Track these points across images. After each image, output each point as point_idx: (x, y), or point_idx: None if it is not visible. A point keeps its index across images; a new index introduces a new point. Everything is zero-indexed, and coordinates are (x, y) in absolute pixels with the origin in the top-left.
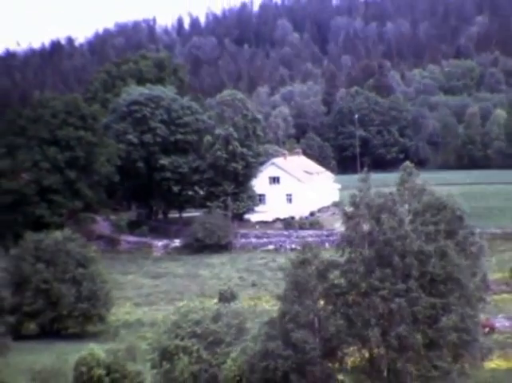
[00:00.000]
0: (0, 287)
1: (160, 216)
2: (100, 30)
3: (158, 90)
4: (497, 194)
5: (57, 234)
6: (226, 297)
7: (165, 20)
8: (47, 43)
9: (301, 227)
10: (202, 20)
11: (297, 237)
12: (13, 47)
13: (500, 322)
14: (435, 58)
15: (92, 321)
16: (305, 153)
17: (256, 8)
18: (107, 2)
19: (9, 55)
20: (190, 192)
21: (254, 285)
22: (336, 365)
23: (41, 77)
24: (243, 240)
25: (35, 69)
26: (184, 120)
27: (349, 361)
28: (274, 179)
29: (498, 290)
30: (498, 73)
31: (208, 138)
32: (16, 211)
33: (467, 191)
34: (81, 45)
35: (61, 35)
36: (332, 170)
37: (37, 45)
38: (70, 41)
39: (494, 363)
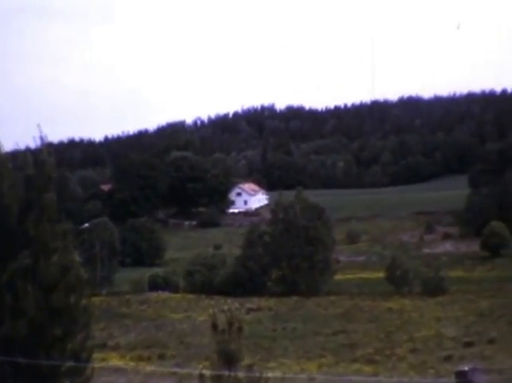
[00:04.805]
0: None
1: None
2: (154, 127)
3: (187, 153)
4: (342, 200)
5: (142, 220)
6: (217, 246)
7: (188, 120)
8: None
9: (251, 216)
10: (205, 120)
11: (249, 220)
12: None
13: (341, 258)
14: (312, 139)
15: (157, 257)
16: (252, 182)
17: (231, 115)
18: (157, 108)
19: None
20: (201, 200)
21: (229, 242)
22: (266, 278)
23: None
24: (224, 221)
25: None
26: (197, 166)
27: (272, 276)
28: (239, 194)
29: (339, 244)
30: (337, 144)
31: (209, 175)
32: (122, 208)
33: (325, 199)
34: (152, 134)
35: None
36: (265, 189)
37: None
38: (140, 132)
39: (338, 276)
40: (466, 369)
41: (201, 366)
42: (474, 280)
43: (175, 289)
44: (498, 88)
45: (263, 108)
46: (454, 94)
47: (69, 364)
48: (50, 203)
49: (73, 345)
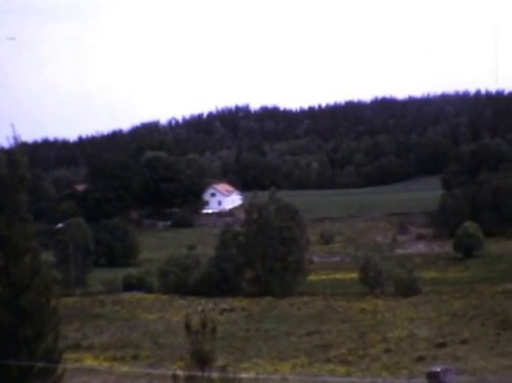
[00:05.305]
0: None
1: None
2: (129, 127)
3: (161, 154)
4: (316, 201)
5: (114, 220)
6: (191, 247)
7: (162, 120)
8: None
9: (225, 216)
10: (180, 121)
11: (223, 221)
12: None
13: (315, 258)
14: (286, 139)
15: (131, 257)
16: (226, 182)
17: (205, 115)
18: (131, 108)
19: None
20: (175, 201)
21: (203, 242)
22: (240, 278)
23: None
24: (199, 222)
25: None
26: (171, 166)
27: (246, 277)
28: (213, 194)
29: (313, 245)
30: (312, 144)
31: (183, 175)
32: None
33: (299, 200)
34: (127, 134)
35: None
36: (239, 190)
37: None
38: (115, 133)
39: (312, 276)
40: (438, 369)
41: (175, 367)
42: (447, 281)
43: (149, 289)
44: (472, 90)
45: (237, 109)
46: (428, 95)
47: (40, 365)
48: (22, 204)
49: (44, 345)
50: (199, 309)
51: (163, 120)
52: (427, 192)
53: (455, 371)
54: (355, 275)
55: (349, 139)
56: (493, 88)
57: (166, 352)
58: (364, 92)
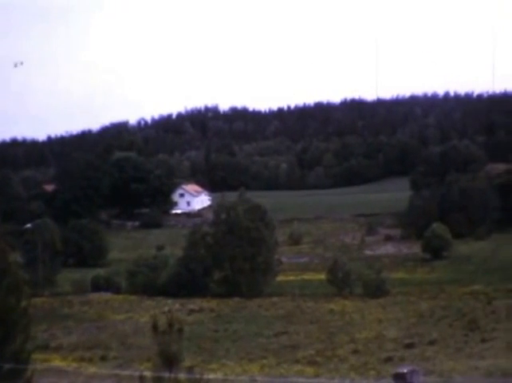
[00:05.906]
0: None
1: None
2: (98, 127)
3: (130, 154)
4: (284, 201)
5: (83, 220)
6: (160, 247)
7: (132, 121)
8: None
9: (193, 217)
10: (149, 121)
11: (192, 221)
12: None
13: (284, 259)
14: (255, 140)
15: (99, 258)
16: (195, 183)
17: (174, 115)
18: (100, 108)
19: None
20: (144, 201)
21: (171, 243)
22: (209, 279)
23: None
24: (167, 222)
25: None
26: (140, 166)
27: (215, 277)
28: (182, 195)
29: (281, 245)
30: (281, 145)
31: (152, 176)
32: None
33: (268, 201)
34: (96, 134)
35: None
36: (207, 190)
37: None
38: (84, 132)
39: (280, 277)
40: (405, 370)
41: (142, 368)
42: (416, 282)
43: (117, 290)
44: (441, 91)
45: (207, 109)
46: (397, 97)
47: (9, 366)
48: None
49: (13, 347)
50: (166, 309)
51: (133, 121)
52: (395, 193)
53: (423, 372)
54: (323, 276)
55: (318, 140)
56: (462, 90)
57: (134, 352)
58: (333, 93)
